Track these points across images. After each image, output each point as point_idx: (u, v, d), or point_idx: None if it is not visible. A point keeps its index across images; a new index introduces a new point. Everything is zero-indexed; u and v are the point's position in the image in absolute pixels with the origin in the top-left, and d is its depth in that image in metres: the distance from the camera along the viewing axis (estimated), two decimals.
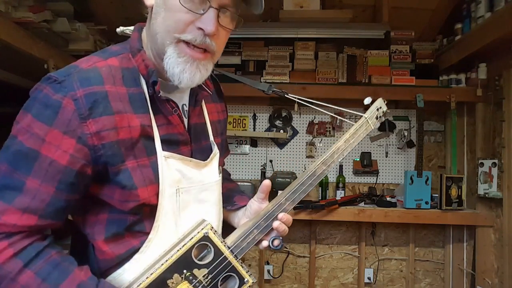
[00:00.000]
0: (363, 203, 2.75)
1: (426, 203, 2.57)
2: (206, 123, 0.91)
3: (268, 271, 2.96)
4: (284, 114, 3.03)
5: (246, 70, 2.90)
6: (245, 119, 3.05)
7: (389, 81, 2.78)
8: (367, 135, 0.88)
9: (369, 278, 2.93)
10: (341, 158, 0.88)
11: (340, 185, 2.87)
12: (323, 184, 2.86)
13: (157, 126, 0.76)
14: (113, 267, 0.76)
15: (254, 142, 3.05)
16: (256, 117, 3.07)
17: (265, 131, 3.05)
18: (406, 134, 3.00)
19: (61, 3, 2.27)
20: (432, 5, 2.82)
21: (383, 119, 0.92)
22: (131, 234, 0.76)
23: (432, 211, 2.57)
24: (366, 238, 2.97)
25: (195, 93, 0.86)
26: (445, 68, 2.80)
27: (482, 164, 2.53)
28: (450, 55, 2.73)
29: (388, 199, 2.73)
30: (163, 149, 0.76)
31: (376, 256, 2.97)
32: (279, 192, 0.91)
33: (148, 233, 0.76)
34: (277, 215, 0.88)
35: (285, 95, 1.03)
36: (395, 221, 2.65)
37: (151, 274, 0.75)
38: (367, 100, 0.91)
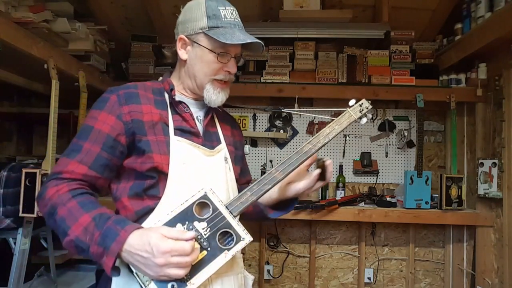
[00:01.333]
0: (363, 203, 2.75)
1: (426, 203, 2.57)
2: (218, 131, 1.18)
3: (268, 271, 2.96)
4: (284, 114, 3.03)
5: (246, 70, 2.90)
6: (245, 119, 3.05)
7: (389, 81, 2.78)
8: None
9: (369, 278, 2.93)
10: (327, 140, 1.04)
11: (340, 185, 2.87)
12: None
13: (173, 120, 1.07)
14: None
15: (254, 142, 3.05)
16: (256, 117, 3.07)
17: (265, 131, 3.05)
18: (406, 134, 3.00)
19: (61, 3, 2.27)
20: (432, 5, 2.82)
21: (370, 116, 1.09)
22: (148, 197, 1.01)
23: (432, 211, 2.57)
24: (366, 238, 2.97)
25: (208, 109, 1.15)
26: (445, 68, 2.80)
27: (482, 164, 2.53)
28: (450, 55, 2.73)
29: (388, 199, 2.73)
30: (175, 134, 1.05)
31: (376, 256, 2.97)
32: None
33: (160, 197, 1.00)
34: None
35: (282, 110, 1.31)
36: (395, 221, 2.65)
37: (158, 221, 0.92)
38: (351, 102, 1.10)
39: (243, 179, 1.29)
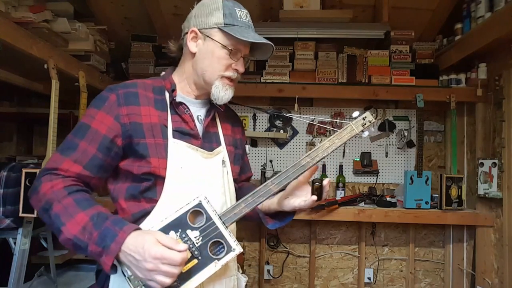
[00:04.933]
0: (363, 203, 2.75)
1: (426, 203, 2.57)
2: (218, 132, 1.18)
3: (268, 271, 2.96)
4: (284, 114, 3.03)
5: (246, 70, 2.89)
6: (245, 119, 3.05)
7: (389, 81, 2.78)
8: (352, 137, 1.06)
9: (369, 278, 2.93)
10: (326, 154, 1.04)
11: (340, 185, 2.87)
12: None
13: (172, 121, 1.07)
14: None
15: (254, 142, 3.05)
16: (256, 117, 3.07)
17: (265, 131, 3.05)
18: (406, 134, 3.00)
19: (61, 3, 2.27)
20: (432, 5, 2.82)
21: (372, 129, 1.09)
22: (145, 200, 1.02)
23: (432, 211, 2.57)
24: (366, 238, 2.97)
25: (209, 108, 1.16)
26: (445, 68, 2.80)
27: (482, 164, 2.53)
28: (450, 55, 2.73)
29: (388, 199, 2.73)
30: (174, 137, 1.05)
31: (376, 256, 2.97)
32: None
33: (157, 200, 1.01)
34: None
35: (285, 114, 1.29)
36: (395, 221, 2.65)
37: (152, 227, 0.92)
38: (355, 114, 1.12)
39: (243, 176, 1.30)
